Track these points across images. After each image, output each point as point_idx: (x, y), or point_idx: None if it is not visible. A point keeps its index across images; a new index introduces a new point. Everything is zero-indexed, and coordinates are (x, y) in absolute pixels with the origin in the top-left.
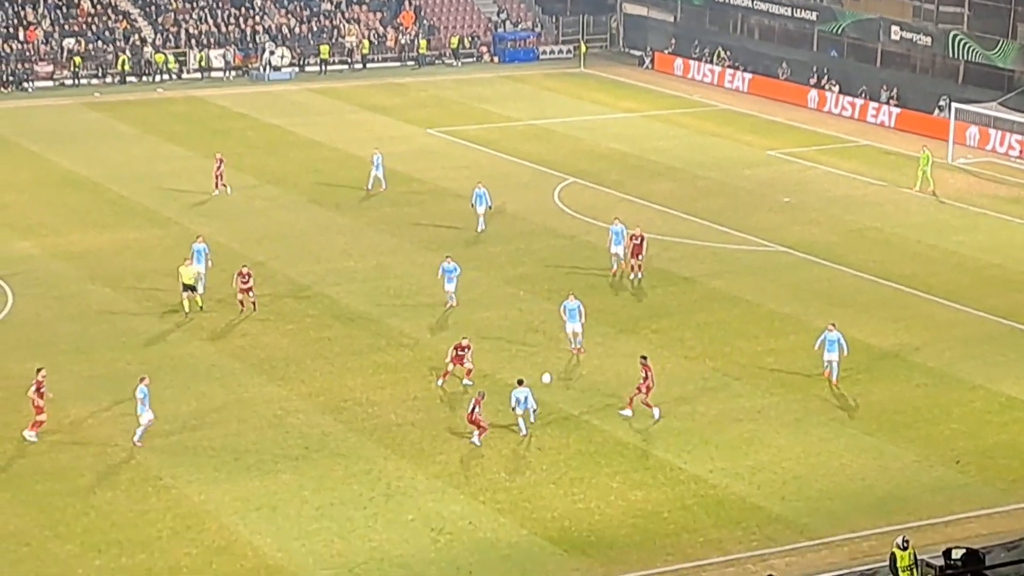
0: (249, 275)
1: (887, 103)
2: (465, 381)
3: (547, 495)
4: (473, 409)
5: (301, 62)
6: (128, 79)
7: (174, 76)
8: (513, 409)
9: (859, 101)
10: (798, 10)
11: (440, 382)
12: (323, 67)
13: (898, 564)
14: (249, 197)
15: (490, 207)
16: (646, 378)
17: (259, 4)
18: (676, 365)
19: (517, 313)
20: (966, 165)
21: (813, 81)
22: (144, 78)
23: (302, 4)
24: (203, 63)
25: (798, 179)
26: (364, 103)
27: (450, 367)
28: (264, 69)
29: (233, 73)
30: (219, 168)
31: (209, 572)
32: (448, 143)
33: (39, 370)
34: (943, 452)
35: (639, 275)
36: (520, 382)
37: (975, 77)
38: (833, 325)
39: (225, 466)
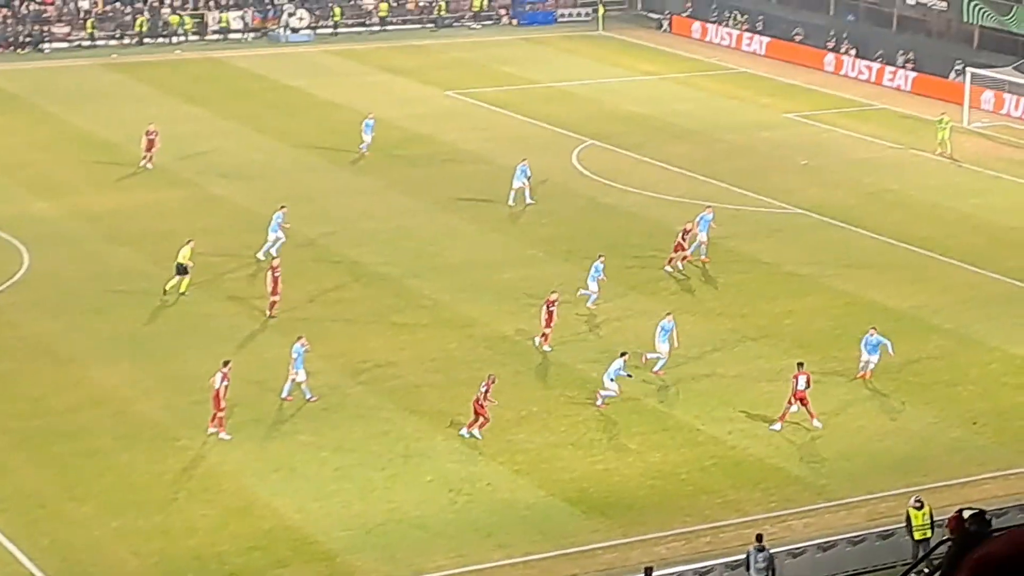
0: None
1: (903, 67)
2: (545, 347)
3: (566, 456)
4: (486, 392)
5: (320, 24)
6: (145, 40)
7: (192, 38)
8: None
9: (875, 65)
10: None
11: (537, 341)
12: (335, 28)
13: (913, 524)
14: (270, 158)
15: (529, 177)
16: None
17: None
18: (695, 326)
19: (538, 274)
20: (981, 129)
21: (830, 45)
22: (162, 39)
23: None
24: (222, 24)
25: (815, 142)
26: (383, 65)
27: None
28: (283, 31)
29: (251, 35)
30: (151, 139)
31: (226, 533)
32: (467, 105)
33: (226, 363)
34: (960, 413)
35: (680, 264)
36: (623, 354)
37: (990, 42)
38: (874, 329)
39: (244, 427)
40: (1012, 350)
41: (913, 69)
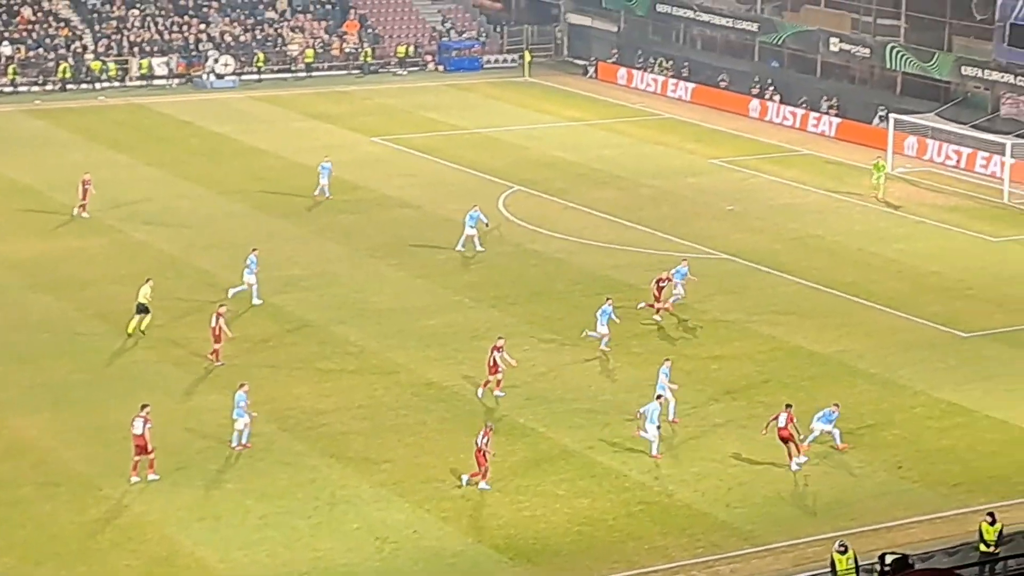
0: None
1: (827, 113)
2: (496, 392)
3: (492, 503)
4: (486, 442)
5: (245, 70)
6: (68, 87)
7: (116, 84)
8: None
9: (800, 111)
10: (739, 21)
11: (481, 392)
12: (259, 75)
13: (837, 568)
14: (194, 205)
15: (487, 225)
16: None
17: (203, 12)
18: (622, 372)
19: (462, 320)
20: (905, 174)
21: (755, 91)
22: (85, 86)
23: (246, 12)
24: (146, 71)
25: (741, 187)
26: (309, 111)
27: (490, 377)
28: (208, 77)
29: (176, 81)
30: (85, 188)
31: None
32: (393, 151)
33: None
34: (885, 458)
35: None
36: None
37: (912, 88)
38: (836, 405)
39: (168, 476)
40: (936, 394)
41: (837, 115)
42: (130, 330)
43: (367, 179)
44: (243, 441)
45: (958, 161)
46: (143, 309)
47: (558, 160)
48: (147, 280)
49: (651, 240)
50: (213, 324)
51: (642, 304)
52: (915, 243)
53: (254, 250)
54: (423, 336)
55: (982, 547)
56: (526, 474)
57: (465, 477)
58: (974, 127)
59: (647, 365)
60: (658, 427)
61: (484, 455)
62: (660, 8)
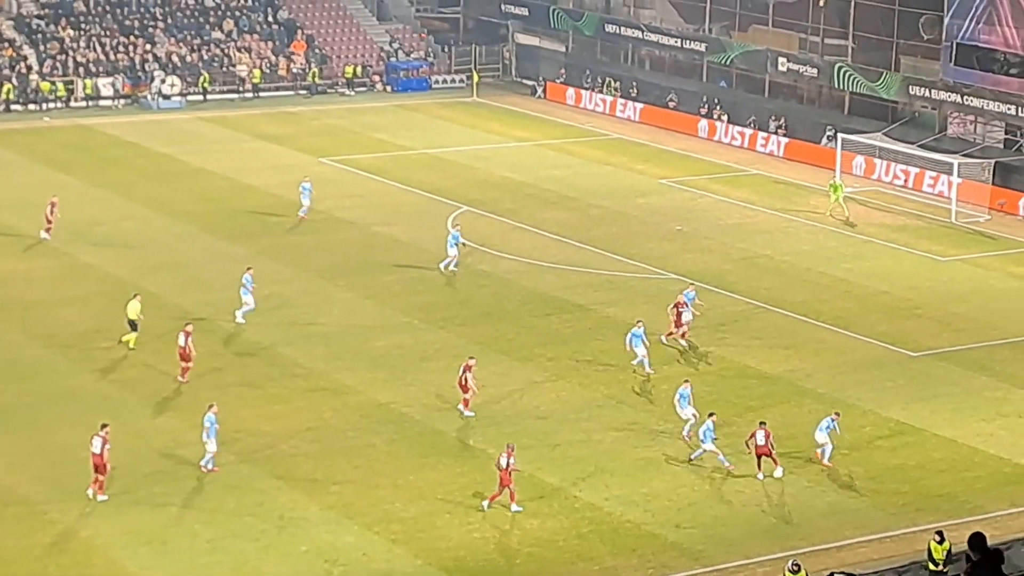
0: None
1: (775, 133)
2: (466, 412)
3: (442, 525)
4: (508, 464)
5: (192, 90)
6: (13, 107)
7: (62, 104)
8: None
9: (748, 131)
10: (687, 41)
11: (463, 408)
12: (204, 95)
13: None
14: (141, 227)
15: (464, 245)
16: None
17: (149, 32)
18: (570, 393)
19: (411, 342)
20: (853, 194)
21: (703, 111)
22: (30, 106)
23: (193, 32)
24: (91, 91)
25: (690, 207)
26: (256, 132)
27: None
28: (154, 98)
29: (122, 101)
30: (52, 211)
31: None
32: (341, 172)
33: (104, 426)
34: (835, 477)
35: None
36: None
37: (860, 108)
38: (837, 414)
39: (114, 499)
40: (885, 413)
41: (785, 135)
42: (132, 345)
43: (315, 200)
44: (209, 466)
45: (906, 180)
46: (133, 326)
47: (507, 180)
48: (134, 295)
49: (600, 260)
50: (181, 344)
51: (663, 338)
52: (863, 263)
53: (248, 269)
54: (372, 358)
55: (931, 566)
56: (476, 496)
57: (486, 503)
58: (922, 147)
59: (597, 386)
60: (714, 439)
61: (510, 475)
62: (608, 28)
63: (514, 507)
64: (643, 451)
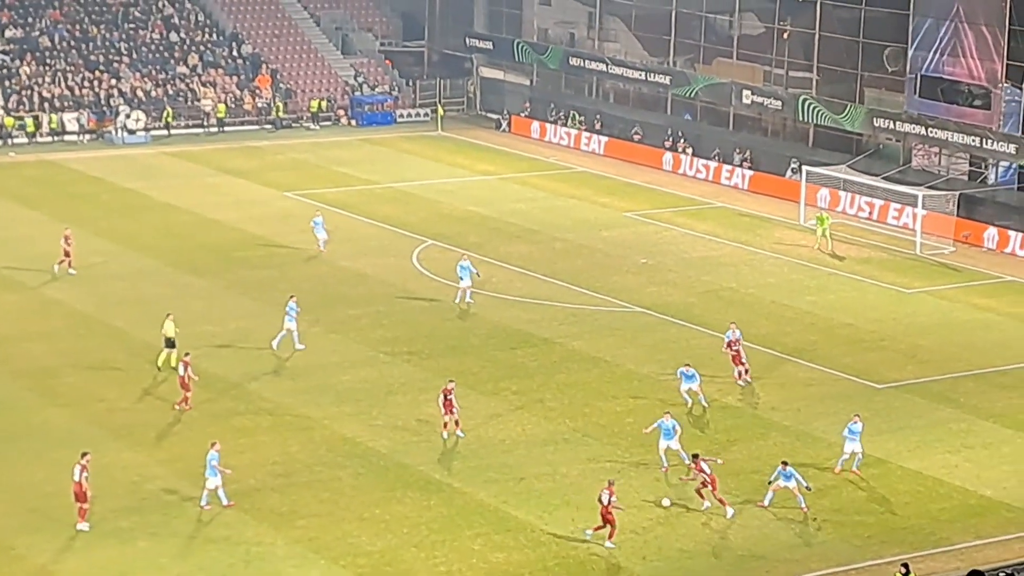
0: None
1: (740, 166)
2: (458, 432)
3: (408, 559)
4: (609, 500)
5: (157, 125)
6: None
7: (27, 140)
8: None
9: (713, 164)
10: (652, 74)
11: (446, 435)
12: (168, 130)
13: None
14: (105, 261)
15: (478, 275)
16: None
17: (114, 67)
18: (536, 426)
19: (376, 376)
20: (815, 226)
21: (668, 144)
22: None
23: (157, 67)
24: (57, 127)
25: (655, 240)
26: (221, 166)
27: (446, 418)
28: (119, 132)
29: (88, 136)
30: (67, 242)
31: None
32: (306, 206)
33: (84, 454)
34: (800, 510)
35: (747, 379)
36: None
37: (824, 140)
38: (857, 416)
39: (81, 534)
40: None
41: (750, 168)
42: (160, 364)
43: (279, 234)
44: (224, 502)
45: (870, 213)
46: (170, 343)
47: (471, 214)
48: (167, 315)
49: (565, 294)
50: (181, 373)
51: (742, 381)
52: (828, 295)
53: (292, 297)
54: (338, 392)
55: None
56: (441, 529)
57: (589, 532)
58: (886, 179)
59: (562, 419)
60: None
61: (609, 512)
62: (573, 61)
63: (608, 543)
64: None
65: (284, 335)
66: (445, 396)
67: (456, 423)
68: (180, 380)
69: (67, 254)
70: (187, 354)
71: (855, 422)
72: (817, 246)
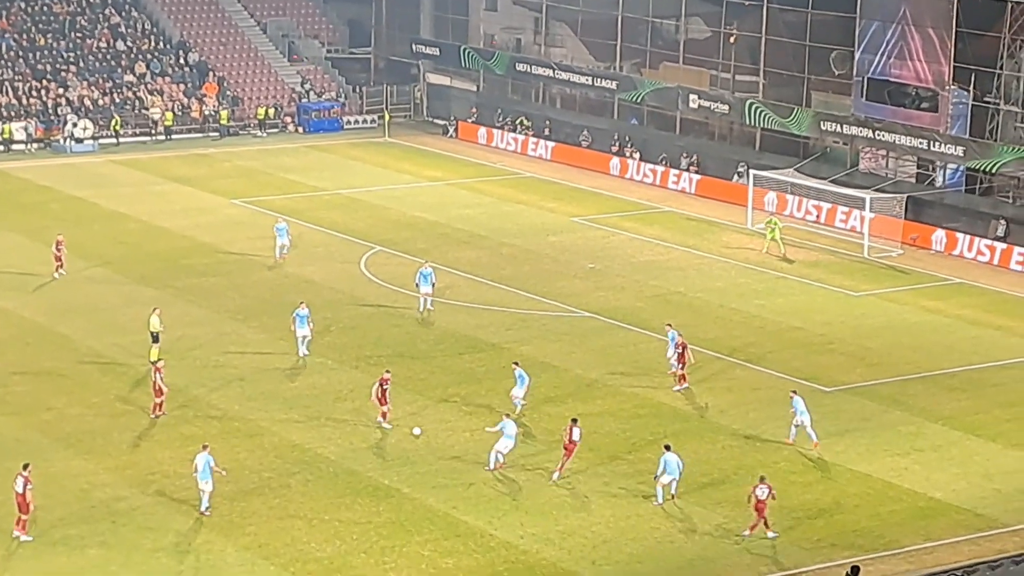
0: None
1: (687, 170)
2: (384, 424)
3: (358, 564)
4: (768, 493)
5: (105, 134)
6: None
7: None
8: (657, 477)
9: (660, 168)
10: (598, 79)
11: (381, 421)
12: (117, 139)
13: None
14: (54, 269)
15: (434, 285)
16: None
17: (61, 76)
18: (484, 432)
19: (325, 382)
20: (765, 230)
21: (615, 148)
22: None
23: (104, 75)
24: (4, 136)
25: (602, 245)
26: (168, 174)
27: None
28: (67, 141)
29: (35, 145)
30: (58, 248)
31: None
32: (253, 213)
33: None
34: (748, 513)
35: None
36: (668, 447)
37: (771, 144)
38: (794, 392)
39: (29, 543)
40: (799, 449)
41: (697, 172)
42: (154, 357)
43: (226, 242)
44: (203, 505)
45: (818, 216)
46: (155, 338)
47: (419, 220)
48: (154, 309)
49: (513, 299)
50: (153, 379)
51: (678, 387)
52: (776, 299)
53: (302, 303)
54: (286, 398)
55: None
56: (391, 535)
57: (747, 532)
58: (834, 182)
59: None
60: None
61: (765, 504)
62: (519, 67)
63: (770, 534)
64: (558, 489)
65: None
66: (381, 386)
67: (384, 415)
68: (153, 387)
69: (58, 259)
70: (160, 361)
71: (793, 398)
72: (766, 250)
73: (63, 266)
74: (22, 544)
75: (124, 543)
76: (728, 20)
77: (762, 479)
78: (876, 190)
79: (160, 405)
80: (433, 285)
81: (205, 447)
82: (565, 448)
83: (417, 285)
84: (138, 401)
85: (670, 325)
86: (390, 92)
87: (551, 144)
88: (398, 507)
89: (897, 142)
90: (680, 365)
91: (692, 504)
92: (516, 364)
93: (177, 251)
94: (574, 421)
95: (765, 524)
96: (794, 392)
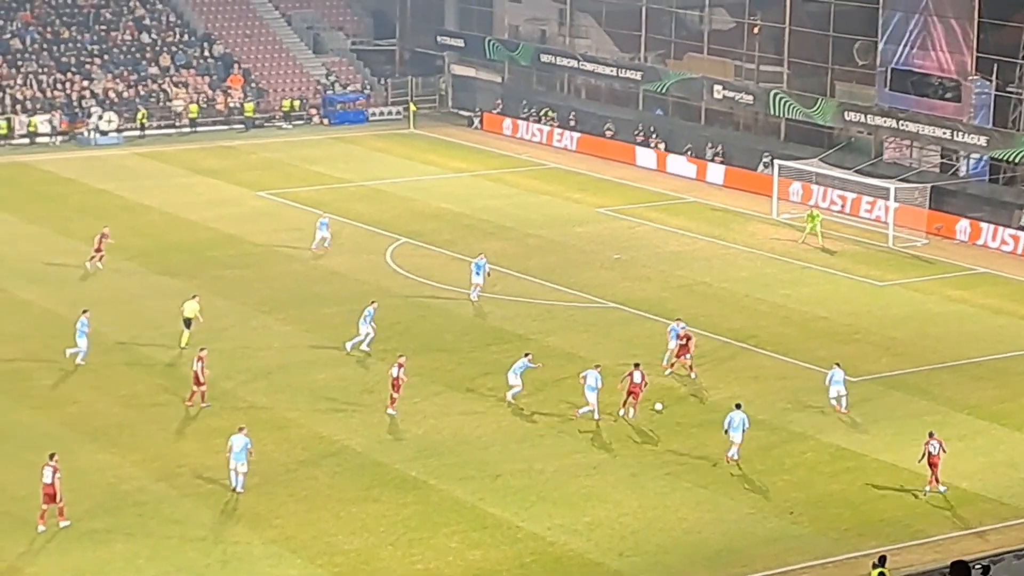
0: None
1: (712, 160)
2: (390, 411)
3: (385, 557)
4: (939, 448)
5: (129, 126)
6: None
7: (1, 142)
8: (726, 431)
9: (685, 158)
10: (623, 70)
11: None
12: (142, 131)
13: None
14: (78, 262)
15: (488, 274)
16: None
17: (85, 68)
18: (511, 422)
19: (351, 374)
20: (790, 220)
21: (640, 139)
22: None
23: (129, 68)
24: (29, 128)
25: (628, 236)
26: (193, 166)
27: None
28: (91, 134)
29: (60, 138)
30: (101, 241)
31: None
32: (279, 205)
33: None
34: (776, 503)
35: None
36: (738, 406)
37: (796, 134)
38: (838, 364)
39: (56, 536)
40: (825, 439)
41: (722, 162)
42: (182, 344)
43: (252, 234)
44: (239, 487)
45: (843, 206)
46: (187, 323)
47: (444, 211)
48: (193, 296)
49: (539, 290)
50: (195, 367)
51: (667, 372)
52: (801, 288)
53: (373, 302)
54: (313, 391)
55: None
56: (418, 527)
57: (928, 489)
58: (858, 172)
59: (538, 416)
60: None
61: (937, 458)
62: (544, 58)
63: (941, 488)
64: (585, 480)
65: (359, 339)
66: (398, 371)
67: (392, 399)
68: (195, 376)
69: (99, 251)
70: (203, 349)
71: (835, 370)
72: (803, 240)
73: (102, 258)
74: (48, 539)
75: (151, 536)
76: (752, 11)
77: (931, 435)
78: (900, 180)
79: (203, 395)
80: (487, 276)
81: (241, 429)
82: (631, 392)
83: (475, 274)
84: (164, 393)
85: (679, 320)
86: (415, 84)
87: (576, 135)
88: (425, 499)
89: (921, 132)
90: (687, 356)
91: (720, 495)
92: (597, 366)
93: (202, 243)
94: (636, 366)
95: (936, 480)
96: (837, 364)
